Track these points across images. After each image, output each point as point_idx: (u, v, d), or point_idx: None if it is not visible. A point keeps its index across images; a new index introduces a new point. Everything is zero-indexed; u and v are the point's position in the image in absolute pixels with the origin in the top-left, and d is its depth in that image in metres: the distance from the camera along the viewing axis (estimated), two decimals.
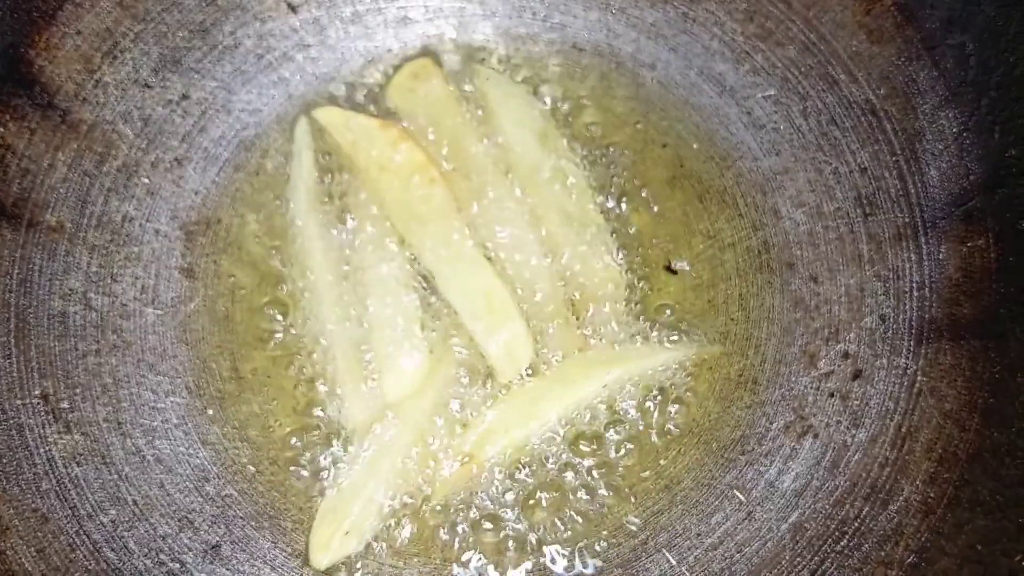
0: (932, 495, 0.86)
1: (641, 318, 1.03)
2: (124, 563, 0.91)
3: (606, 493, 0.98)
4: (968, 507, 0.83)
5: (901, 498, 0.88)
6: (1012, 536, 0.78)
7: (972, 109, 0.92)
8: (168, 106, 1.05)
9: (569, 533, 0.97)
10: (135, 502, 0.94)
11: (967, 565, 0.80)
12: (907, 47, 0.97)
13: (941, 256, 0.94)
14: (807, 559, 0.91)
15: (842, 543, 0.90)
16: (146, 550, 0.93)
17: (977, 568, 0.79)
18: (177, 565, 0.93)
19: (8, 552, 0.86)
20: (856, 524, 0.90)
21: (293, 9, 1.08)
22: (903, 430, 0.92)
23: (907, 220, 0.97)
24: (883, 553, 0.87)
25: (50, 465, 0.92)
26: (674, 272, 1.05)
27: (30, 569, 0.87)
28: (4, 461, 0.89)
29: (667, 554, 0.96)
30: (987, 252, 0.90)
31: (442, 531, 0.97)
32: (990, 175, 0.90)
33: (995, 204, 0.89)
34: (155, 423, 0.98)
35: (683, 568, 0.95)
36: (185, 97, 1.05)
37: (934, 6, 0.94)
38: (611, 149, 1.09)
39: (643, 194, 1.07)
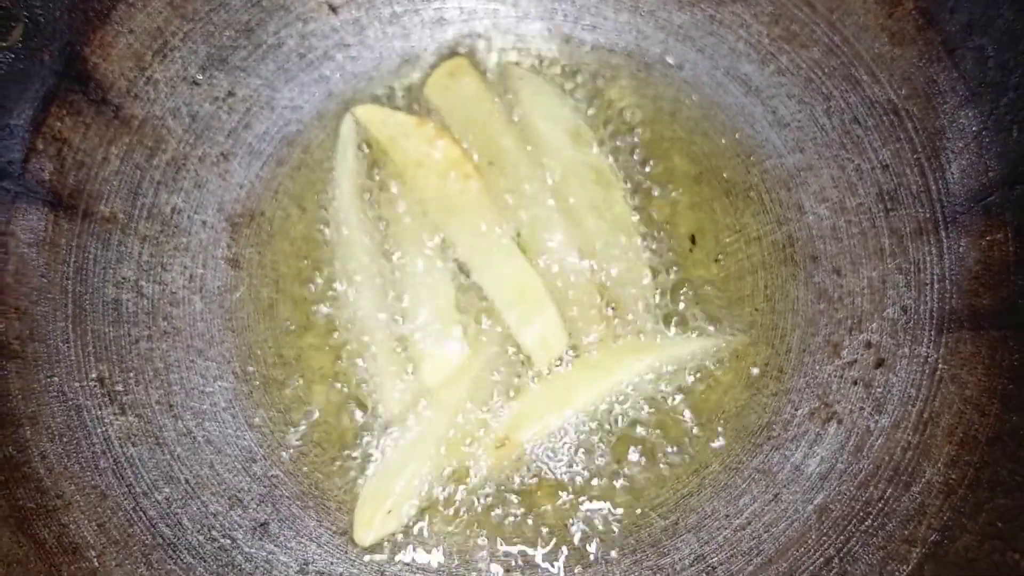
0: (954, 477, 0.89)
1: (671, 309, 1.06)
2: (179, 538, 0.94)
3: (637, 476, 1.01)
4: (988, 487, 0.86)
5: (923, 480, 0.91)
6: None
7: (991, 108, 0.94)
8: (215, 103, 1.08)
9: (602, 515, 1.00)
10: (187, 481, 0.98)
11: (988, 541, 0.83)
12: (928, 49, 0.99)
13: (961, 249, 0.97)
14: (833, 538, 0.94)
15: (867, 523, 0.93)
16: (199, 526, 0.96)
17: (997, 544, 0.82)
18: (228, 541, 0.96)
19: (71, 526, 0.90)
20: (880, 505, 0.93)
21: (334, 10, 1.12)
22: (925, 415, 0.95)
23: (928, 215, 1.00)
24: (907, 532, 0.90)
25: (107, 445, 0.95)
26: (693, 242, 1.08)
27: (92, 542, 0.90)
28: (65, 440, 0.93)
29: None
30: (1005, 245, 0.93)
31: (479, 511, 1.00)
32: (1009, 172, 0.92)
33: (1013, 199, 0.92)
34: (204, 406, 1.02)
35: (711, 548, 0.99)
36: (231, 94, 1.09)
37: (954, 10, 0.96)
38: (640, 146, 1.12)
39: (671, 189, 1.10)
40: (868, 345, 1.01)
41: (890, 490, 0.93)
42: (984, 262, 0.95)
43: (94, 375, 0.97)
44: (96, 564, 0.89)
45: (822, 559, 0.93)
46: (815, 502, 0.97)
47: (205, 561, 0.94)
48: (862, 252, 1.04)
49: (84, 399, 0.96)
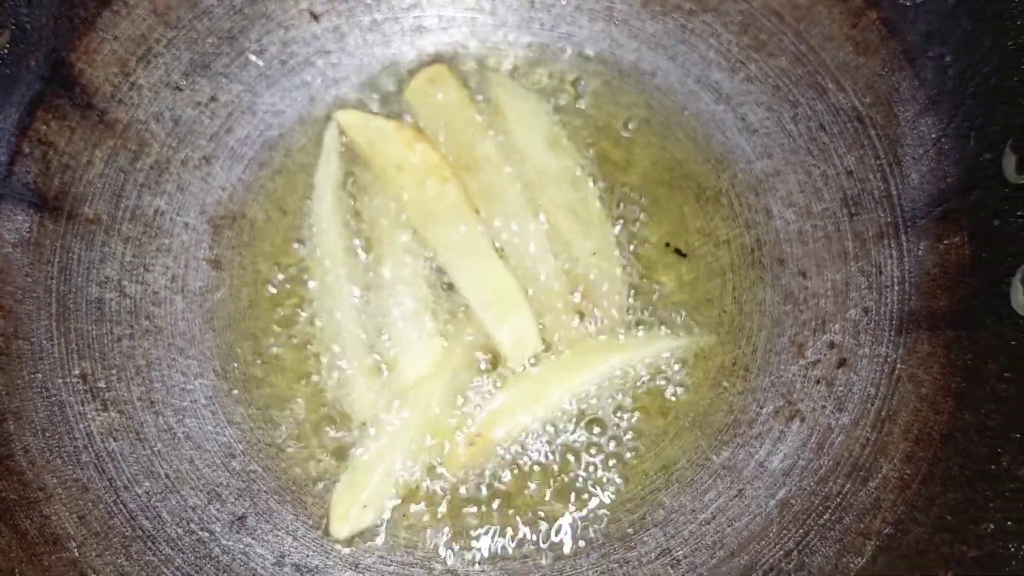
0: (908, 472, 0.92)
1: (641, 310, 1.09)
2: (158, 531, 0.97)
3: (607, 472, 1.04)
4: (940, 482, 0.89)
5: (880, 475, 0.94)
6: (979, 507, 0.83)
7: (950, 116, 0.97)
8: (197, 107, 1.11)
9: (571, 509, 1.03)
10: (167, 475, 1.00)
11: (938, 534, 0.86)
12: (891, 58, 1.02)
13: (920, 253, 0.99)
14: (792, 532, 0.96)
15: (825, 517, 0.95)
16: (178, 519, 0.98)
17: (947, 536, 0.85)
18: (206, 534, 0.99)
19: (53, 518, 0.92)
20: (838, 499, 0.95)
21: (315, 18, 1.14)
22: (883, 413, 0.97)
23: (889, 219, 1.02)
24: (862, 525, 0.92)
25: (89, 440, 0.98)
26: (683, 255, 1.11)
27: (72, 533, 0.92)
28: (48, 435, 0.95)
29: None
30: (962, 249, 0.95)
31: (452, 506, 1.03)
32: (966, 178, 0.95)
33: (970, 204, 0.94)
34: (185, 403, 1.04)
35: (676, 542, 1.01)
36: (213, 99, 1.12)
37: (916, 20, 0.99)
38: (614, 151, 1.15)
39: (643, 194, 1.13)
40: (831, 345, 1.04)
41: (848, 485, 0.96)
42: (942, 265, 0.97)
43: (77, 372, 0.99)
44: (76, 555, 0.91)
45: (782, 552, 0.96)
46: (777, 497, 0.99)
47: (183, 553, 0.97)
48: (827, 255, 1.07)
49: (67, 395, 0.98)
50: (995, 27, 0.91)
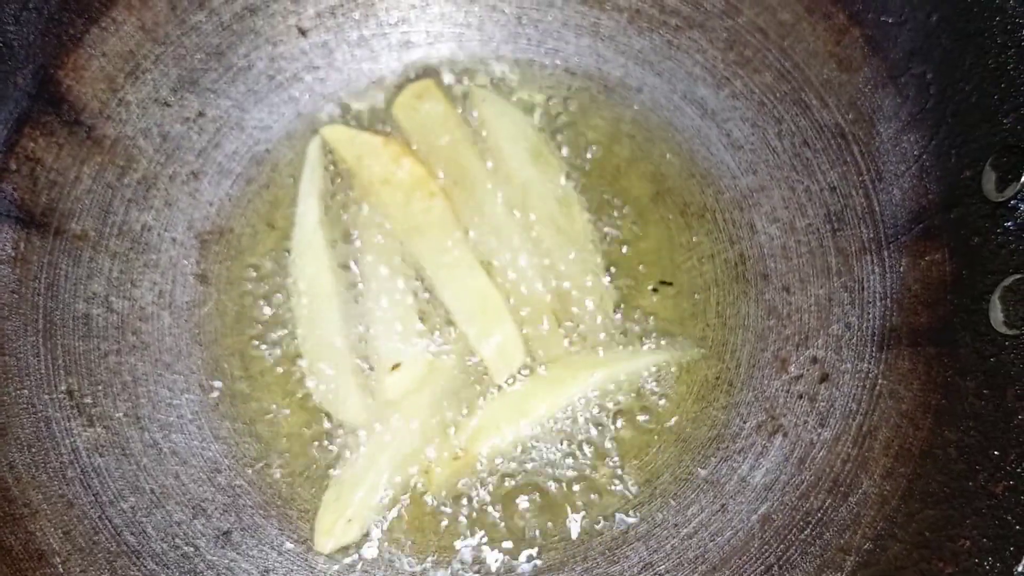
0: (888, 488, 0.92)
1: (625, 324, 1.10)
2: (143, 546, 0.97)
3: (590, 487, 1.04)
4: (920, 498, 0.89)
5: (860, 491, 0.94)
6: (956, 523, 0.83)
7: (932, 134, 0.97)
8: (185, 123, 1.12)
9: (555, 524, 1.03)
10: (152, 491, 1.00)
11: (916, 550, 0.86)
12: (873, 76, 1.02)
13: (902, 269, 1.00)
14: (774, 547, 0.97)
15: (806, 532, 0.96)
16: (163, 535, 0.99)
17: (925, 552, 0.85)
18: (191, 549, 0.99)
19: (37, 534, 0.92)
20: (819, 515, 0.96)
21: (303, 33, 1.15)
22: (864, 429, 0.97)
23: (871, 235, 1.03)
24: (843, 541, 0.93)
25: (75, 455, 0.98)
26: (669, 284, 1.12)
27: (57, 549, 0.92)
28: (33, 451, 0.95)
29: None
30: (943, 266, 0.95)
31: (436, 520, 1.03)
32: (947, 195, 0.95)
33: (951, 221, 0.94)
34: (171, 418, 1.05)
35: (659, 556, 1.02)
36: (201, 115, 1.12)
37: (898, 38, 0.99)
38: (599, 166, 1.16)
39: (628, 209, 1.14)
40: (814, 360, 1.04)
41: (829, 500, 0.96)
42: (923, 281, 0.98)
43: (63, 388, 1.00)
44: (61, 570, 0.91)
45: (763, 567, 0.96)
46: (759, 512, 1.00)
47: (168, 568, 0.97)
48: (810, 270, 1.07)
49: (53, 411, 0.98)
50: (975, 45, 0.92)
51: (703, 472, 1.04)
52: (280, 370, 1.08)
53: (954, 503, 0.85)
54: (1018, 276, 0.85)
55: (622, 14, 1.16)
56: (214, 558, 0.99)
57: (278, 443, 1.06)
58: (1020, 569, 0.77)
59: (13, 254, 0.99)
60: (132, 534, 0.97)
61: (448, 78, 1.20)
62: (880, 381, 0.98)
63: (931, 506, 0.87)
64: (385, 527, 1.03)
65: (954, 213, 0.95)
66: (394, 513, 1.03)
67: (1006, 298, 0.86)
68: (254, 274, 1.12)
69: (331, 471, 1.05)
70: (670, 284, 1.11)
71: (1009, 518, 0.79)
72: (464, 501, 1.04)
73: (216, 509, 1.02)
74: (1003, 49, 0.89)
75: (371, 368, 1.08)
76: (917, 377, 0.95)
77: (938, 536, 0.85)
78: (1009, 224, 0.87)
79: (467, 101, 1.19)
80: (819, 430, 1.01)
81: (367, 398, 1.06)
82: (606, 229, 1.13)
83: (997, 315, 0.87)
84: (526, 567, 1.02)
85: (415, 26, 1.19)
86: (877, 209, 1.03)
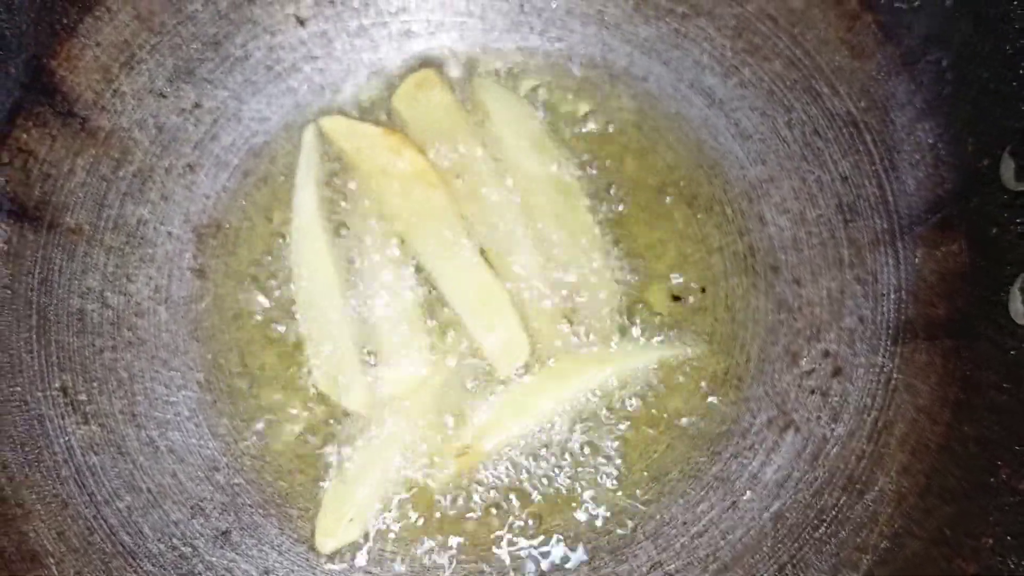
0: (905, 485, 0.90)
1: (632, 318, 1.07)
2: (139, 546, 0.95)
3: (597, 483, 1.02)
4: (938, 495, 0.87)
5: (876, 488, 0.92)
6: (977, 520, 0.82)
7: (947, 121, 0.95)
8: (181, 114, 1.09)
9: (561, 521, 1.01)
10: (149, 490, 0.98)
11: (935, 548, 0.84)
12: (887, 63, 1.00)
13: (917, 260, 0.98)
14: (787, 545, 0.95)
15: (820, 530, 0.94)
16: (159, 535, 0.97)
17: (944, 550, 0.83)
18: (189, 549, 0.97)
19: (31, 535, 0.90)
20: (834, 513, 0.94)
21: (302, 23, 1.13)
22: (879, 424, 0.96)
23: (885, 226, 1.01)
24: (859, 539, 0.91)
25: (69, 454, 0.96)
26: (678, 299, 1.09)
27: (51, 550, 0.90)
28: (26, 449, 0.93)
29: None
30: (960, 257, 0.94)
31: (440, 518, 1.01)
32: (964, 184, 0.94)
33: (968, 212, 0.93)
34: (168, 416, 1.02)
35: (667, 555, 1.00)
36: (198, 106, 1.10)
37: (913, 24, 0.97)
38: (604, 157, 1.13)
39: (634, 200, 1.12)
40: (826, 354, 1.02)
41: (844, 498, 0.94)
42: (939, 272, 0.96)
43: (57, 385, 0.98)
44: (55, 572, 0.89)
45: (776, 566, 0.94)
46: (771, 509, 0.98)
47: (165, 569, 0.95)
48: (821, 262, 1.05)
49: (47, 409, 0.96)
50: (995, 31, 0.90)
51: (712, 469, 1.02)
52: (280, 366, 1.06)
53: (975, 499, 0.83)
54: None
55: (627, 1, 1.13)
56: (213, 558, 0.98)
57: (277, 441, 1.04)
58: None
59: (6, 248, 0.96)
60: (128, 534, 0.95)
61: (450, 68, 1.17)
62: (895, 375, 0.97)
63: (950, 503, 0.86)
64: (387, 526, 1.01)
65: (971, 203, 0.93)
66: (397, 511, 1.01)
67: None
68: (252, 268, 1.09)
69: (332, 469, 1.02)
70: (703, 291, 1.09)
71: None
72: (468, 499, 1.01)
73: (214, 508, 1.00)
74: (1022, 35, 0.87)
75: (373, 356, 1.05)
76: (934, 371, 0.93)
77: (958, 533, 0.83)
78: None
79: (469, 91, 1.16)
80: (832, 425, 0.99)
81: (370, 395, 1.04)
82: (611, 221, 1.11)
83: (1017, 306, 0.85)
84: (531, 565, 1.00)
85: (416, 15, 1.17)
86: (891, 199, 1.01)
